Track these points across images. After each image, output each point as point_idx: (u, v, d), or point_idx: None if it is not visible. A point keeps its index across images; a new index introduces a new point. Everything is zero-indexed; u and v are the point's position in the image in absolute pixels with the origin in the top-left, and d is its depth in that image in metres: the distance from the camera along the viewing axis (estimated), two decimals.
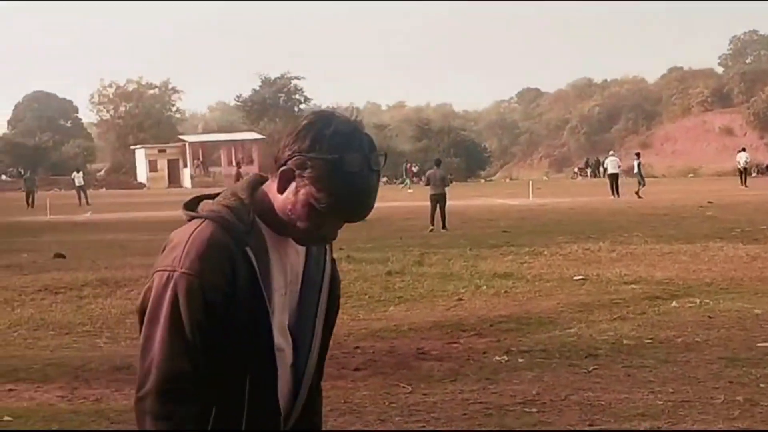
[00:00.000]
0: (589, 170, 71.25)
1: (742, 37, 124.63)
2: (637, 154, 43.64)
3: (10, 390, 8.12)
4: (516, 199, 37.97)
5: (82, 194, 45.66)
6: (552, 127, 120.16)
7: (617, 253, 17.49)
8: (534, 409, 7.16)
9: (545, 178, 72.38)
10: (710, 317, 10.84)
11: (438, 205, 23.83)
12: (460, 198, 39.82)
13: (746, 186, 43.67)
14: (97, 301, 12.86)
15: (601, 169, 74.29)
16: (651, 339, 9.68)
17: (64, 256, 18.53)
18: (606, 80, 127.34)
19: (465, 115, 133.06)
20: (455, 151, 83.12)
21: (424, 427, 6.80)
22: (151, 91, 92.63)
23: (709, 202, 31.73)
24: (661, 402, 7.25)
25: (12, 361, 9.12)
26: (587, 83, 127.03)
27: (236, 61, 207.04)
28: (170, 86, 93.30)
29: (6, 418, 7.11)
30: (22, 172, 73.96)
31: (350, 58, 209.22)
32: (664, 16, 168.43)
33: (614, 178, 40.92)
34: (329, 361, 8.22)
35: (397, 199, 39.77)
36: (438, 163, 26.07)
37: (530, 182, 41.98)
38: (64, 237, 23.99)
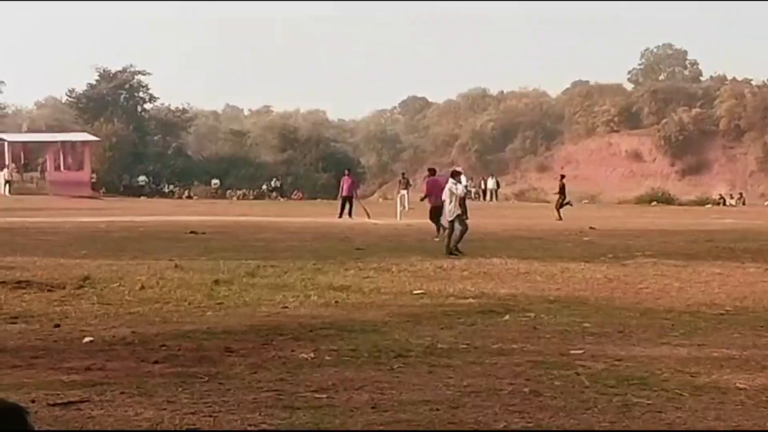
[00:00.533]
0: (473, 191, 73.80)
1: (654, 50, 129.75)
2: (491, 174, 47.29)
3: None
4: (382, 218, 39.51)
5: None
6: (439, 143, 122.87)
7: (470, 272, 19.11)
8: (324, 395, 8.52)
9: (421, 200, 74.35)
10: (536, 328, 12.41)
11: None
12: (320, 216, 41.30)
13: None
14: None
15: (488, 190, 77.01)
16: (467, 344, 11.17)
17: None
18: (502, 92, 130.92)
19: (340, 124, 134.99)
20: (324, 164, 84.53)
21: (212, 410, 8.05)
22: None
23: (591, 227, 33.84)
24: (450, 392, 8.69)
25: None
26: (481, 94, 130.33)
27: (70, 50, 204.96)
28: None
29: None
30: None
31: (208, 53, 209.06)
32: (571, 23, 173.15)
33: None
34: (128, 353, 9.58)
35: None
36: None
37: (397, 200, 43.60)
38: None
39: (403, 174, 52.81)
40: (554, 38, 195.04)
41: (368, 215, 39.80)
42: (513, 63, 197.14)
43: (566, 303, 14.92)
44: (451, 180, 24.32)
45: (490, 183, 78.89)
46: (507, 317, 13.38)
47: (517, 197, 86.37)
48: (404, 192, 46.07)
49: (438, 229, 27.92)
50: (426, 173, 33.91)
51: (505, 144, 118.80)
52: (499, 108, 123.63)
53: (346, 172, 43.71)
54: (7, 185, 68.44)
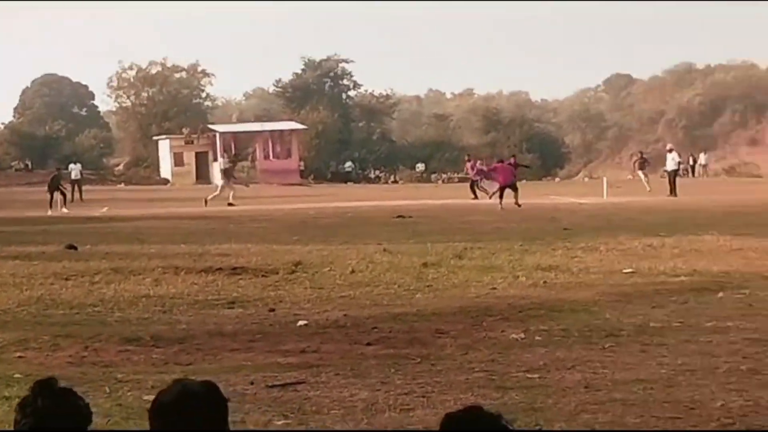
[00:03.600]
0: (681, 167, 72.19)
1: None
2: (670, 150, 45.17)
3: (20, 357, 9.62)
4: (588, 198, 39.09)
5: (77, 189, 47.27)
6: (645, 120, 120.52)
7: (680, 249, 18.69)
8: (536, 375, 8.50)
9: (630, 177, 73.04)
10: (751, 305, 12.07)
11: None
12: (526, 197, 41.09)
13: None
14: (109, 286, 14.38)
15: (698, 166, 75.12)
16: (680, 323, 10.97)
17: (75, 248, 20.11)
18: (709, 66, 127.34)
19: (543, 104, 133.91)
20: (529, 146, 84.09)
21: (425, 390, 8.14)
22: (178, 75, 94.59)
23: None
24: (664, 371, 8.55)
25: (21, 333, 10.63)
26: (687, 69, 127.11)
27: (276, 41, 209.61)
28: (200, 69, 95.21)
29: (16, 375, 8.60)
30: (29, 165, 76.53)
31: (410, 38, 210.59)
32: None
33: (672, 175, 42.78)
34: (341, 336, 9.82)
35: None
36: None
37: (604, 179, 42.97)
38: (76, 230, 25.73)
39: (641, 153, 51.93)
40: (763, 5, 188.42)
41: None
42: (720, 35, 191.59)
43: None
44: None
45: (702, 159, 76.92)
46: (721, 294, 13.07)
47: (727, 173, 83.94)
48: (640, 172, 45.91)
49: None
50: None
51: (714, 119, 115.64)
52: (706, 82, 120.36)
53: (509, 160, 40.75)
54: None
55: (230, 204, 38.69)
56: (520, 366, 8.93)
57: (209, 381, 3.51)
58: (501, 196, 34.49)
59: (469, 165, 45.88)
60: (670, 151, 45.69)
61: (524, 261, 17.06)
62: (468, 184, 44.47)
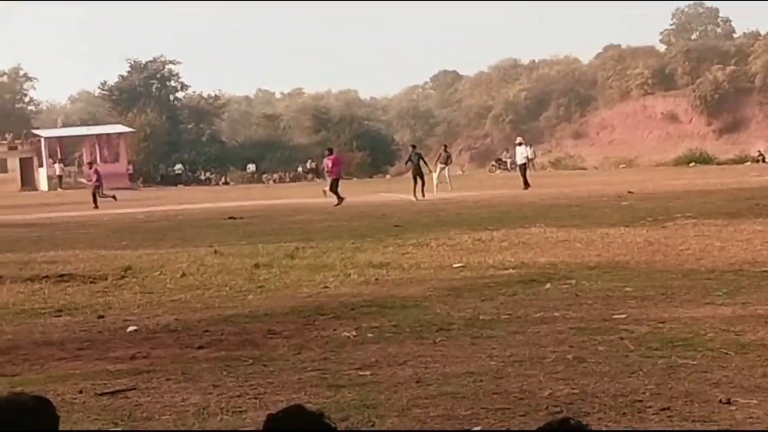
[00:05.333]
0: (509, 162, 73.61)
1: (686, 10, 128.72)
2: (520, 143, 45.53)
3: None
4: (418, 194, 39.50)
5: None
6: (473, 116, 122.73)
7: (509, 242, 19.05)
8: (368, 372, 8.56)
9: (460, 172, 74.21)
10: (577, 295, 12.39)
11: None
12: (357, 194, 41.31)
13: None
14: None
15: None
16: (509, 314, 11.17)
17: None
18: (534, 61, 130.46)
19: (372, 102, 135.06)
20: (359, 143, 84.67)
21: (257, 392, 8.10)
22: None
23: (630, 192, 33.69)
24: (493, 363, 8.71)
25: None
26: (512, 65, 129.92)
27: (101, 44, 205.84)
28: (21, 73, 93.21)
29: None
30: None
31: (237, 38, 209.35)
32: None
33: (522, 168, 43.40)
34: (172, 340, 9.68)
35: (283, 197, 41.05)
36: None
37: (434, 176, 43.46)
38: None
39: (445, 147, 50.32)
40: (584, 3, 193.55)
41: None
42: (543, 31, 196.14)
43: (607, 268, 14.84)
44: None
45: (529, 152, 78.39)
46: (548, 286, 13.35)
47: (553, 166, 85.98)
48: (443, 166, 45.43)
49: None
50: None
51: (539, 113, 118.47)
52: (532, 77, 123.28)
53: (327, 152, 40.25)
54: (48, 181, 69.09)
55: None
56: (352, 363, 8.97)
57: (41, 395, 3.46)
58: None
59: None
60: (520, 144, 46.36)
61: (356, 258, 17.16)
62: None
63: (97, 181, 42.96)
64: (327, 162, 39.09)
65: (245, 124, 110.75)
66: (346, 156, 37.77)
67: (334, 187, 36.41)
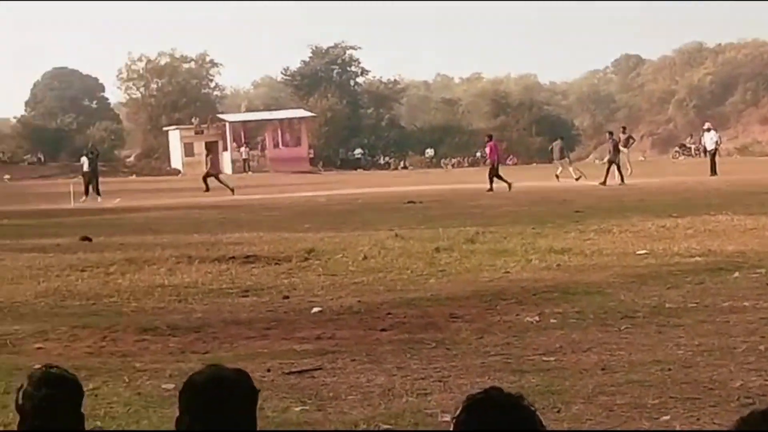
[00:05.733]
0: (693, 148, 72.06)
1: None
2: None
3: (39, 348, 9.65)
4: (600, 180, 38.97)
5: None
6: (655, 101, 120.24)
7: (694, 230, 18.64)
8: (552, 358, 8.50)
9: (642, 158, 72.95)
10: (767, 284, 12.04)
11: None
12: (536, 179, 41.06)
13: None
14: (125, 276, 14.41)
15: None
16: (696, 303, 10.95)
17: (90, 239, 20.14)
18: (720, 44, 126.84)
19: (552, 87, 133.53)
20: (538, 129, 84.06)
21: (441, 375, 8.14)
22: (187, 66, 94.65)
23: None
24: (681, 352, 8.54)
25: (39, 325, 10.66)
26: (697, 48, 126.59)
27: (283, 30, 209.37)
28: (208, 59, 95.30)
29: (35, 365, 8.61)
30: (41, 158, 76.66)
31: (416, 24, 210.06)
32: None
33: (712, 154, 42.21)
34: (355, 322, 9.83)
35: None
36: None
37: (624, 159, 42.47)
38: (90, 222, 25.80)
39: (623, 129, 47.99)
40: None
41: None
42: (729, 13, 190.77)
43: None
44: None
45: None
46: (737, 274, 13.03)
47: (739, 152, 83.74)
48: (625, 150, 43.31)
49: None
50: None
51: (725, 98, 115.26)
52: (717, 60, 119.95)
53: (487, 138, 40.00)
54: (232, 165, 70.72)
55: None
56: (535, 349, 8.94)
57: (241, 369, 3.54)
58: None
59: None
60: (708, 130, 45.35)
61: (537, 244, 17.04)
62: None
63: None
64: (486, 149, 39.08)
65: (424, 109, 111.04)
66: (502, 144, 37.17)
67: (492, 173, 36.04)
